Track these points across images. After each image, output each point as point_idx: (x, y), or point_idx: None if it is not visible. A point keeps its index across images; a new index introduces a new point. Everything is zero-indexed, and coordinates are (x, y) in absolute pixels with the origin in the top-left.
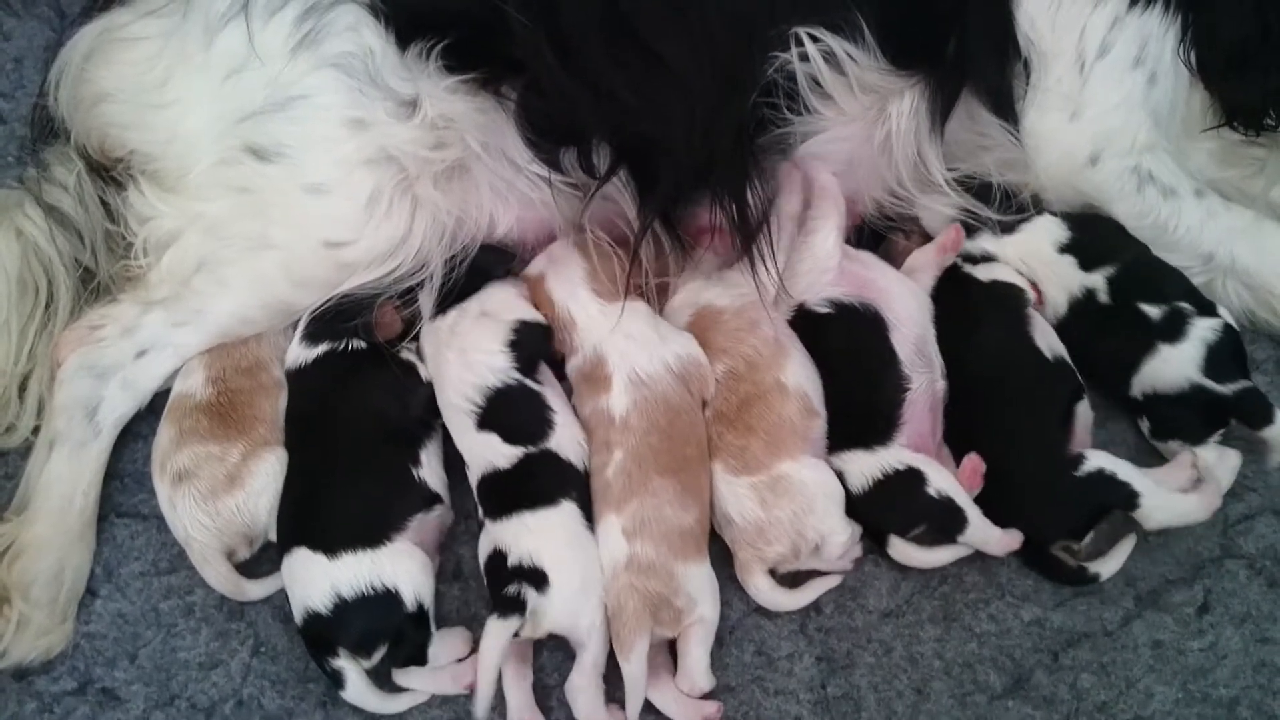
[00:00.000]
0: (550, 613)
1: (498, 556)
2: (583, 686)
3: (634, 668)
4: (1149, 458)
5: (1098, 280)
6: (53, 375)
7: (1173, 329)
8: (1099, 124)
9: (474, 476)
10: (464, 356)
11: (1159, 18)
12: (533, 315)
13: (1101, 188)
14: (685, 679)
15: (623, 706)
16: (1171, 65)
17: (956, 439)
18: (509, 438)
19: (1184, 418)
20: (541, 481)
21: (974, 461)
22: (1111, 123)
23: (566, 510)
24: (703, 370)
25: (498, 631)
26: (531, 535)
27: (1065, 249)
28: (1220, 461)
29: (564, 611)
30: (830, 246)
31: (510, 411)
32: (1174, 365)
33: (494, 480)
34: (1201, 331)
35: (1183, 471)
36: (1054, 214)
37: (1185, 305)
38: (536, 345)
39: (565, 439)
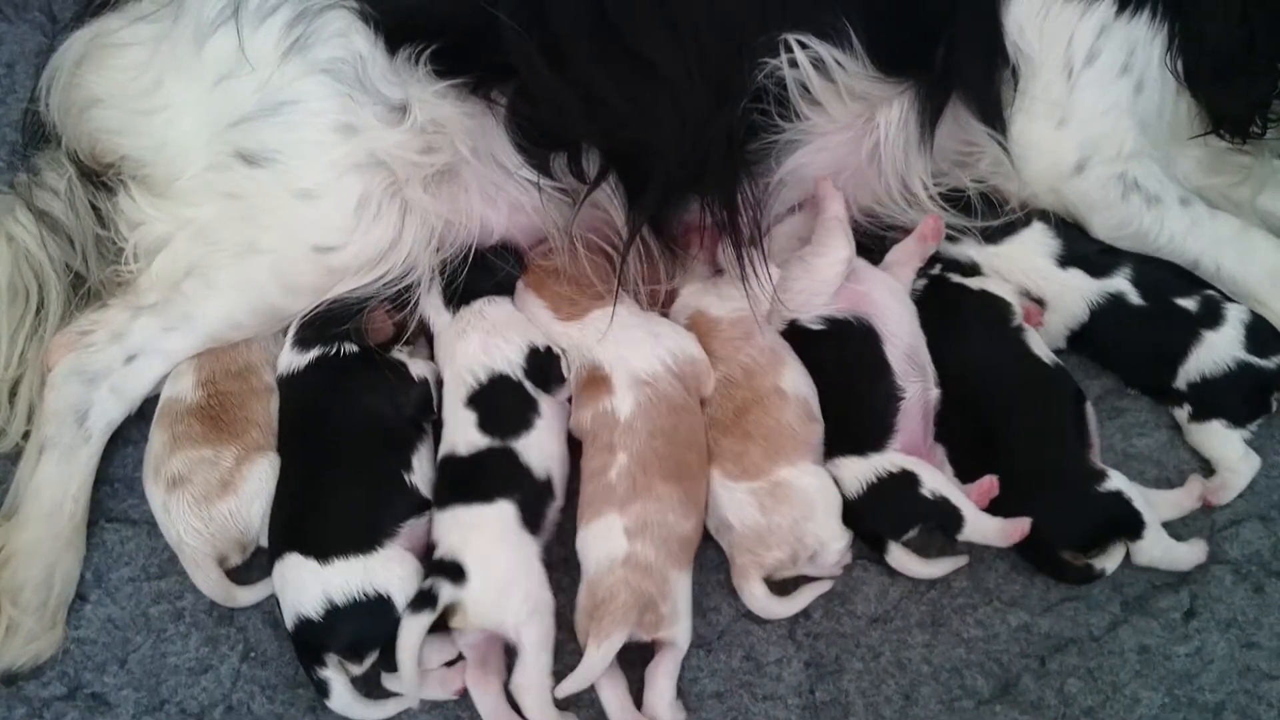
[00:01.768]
0: (472, 606)
1: (431, 548)
2: (525, 686)
3: (599, 657)
4: (1136, 463)
5: (1121, 284)
6: (43, 380)
7: (1212, 315)
8: (1086, 131)
9: (440, 456)
10: (487, 338)
11: (1146, 25)
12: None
13: (1086, 195)
14: (649, 712)
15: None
16: (1158, 73)
17: (973, 445)
18: (484, 425)
19: (1230, 398)
20: (486, 478)
21: (989, 484)
22: (1098, 130)
23: (501, 509)
24: (698, 367)
25: (409, 626)
26: (459, 529)
27: (1066, 261)
28: (1243, 460)
29: (487, 606)
30: (832, 275)
31: (499, 400)
32: (1220, 348)
33: (448, 465)
34: (1237, 313)
35: (1188, 499)
36: (1042, 221)
37: (1212, 292)
38: (548, 369)
39: (535, 444)
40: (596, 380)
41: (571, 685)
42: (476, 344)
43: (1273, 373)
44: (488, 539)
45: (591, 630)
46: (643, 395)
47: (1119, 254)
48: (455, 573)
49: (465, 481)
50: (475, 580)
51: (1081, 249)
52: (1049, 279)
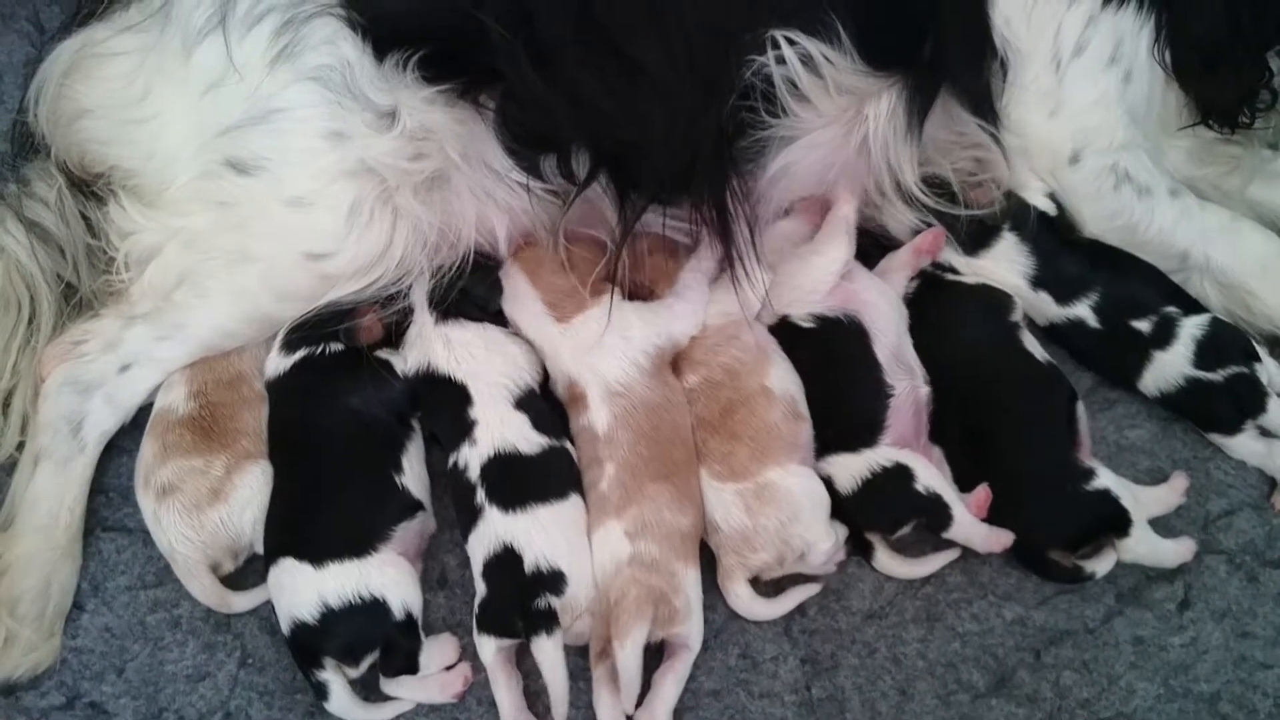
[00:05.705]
0: (573, 607)
1: (508, 555)
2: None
3: (629, 656)
4: (1129, 454)
5: (1083, 311)
6: (36, 391)
7: (1163, 336)
8: (1077, 121)
9: (480, 455)
10: (529, 352)
11: (1133, 16)
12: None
13: (1079, 186)
14: (648, 712)
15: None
16: (1147, 63)
17: (966, 444)
18: (538, 425)
19: (1205, 411)
20: (556, 475)
21: (985, 495)
22: (1089, 120)
23: (574, 502)
24: (668, 348)
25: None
26: (544, 531)
27: (1038, 283)
28: (1273, 453)
29: (582, 598)
30: (827, 275)
31: (545, 405)
32: (1170, 367)
33: (510, 464)
34: (1190, 330)
35: (1173, 494)
36: (1014, 232)
37: (1171, 309)
38: None
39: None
40: (574, 395)
41: (627, 695)
42: (522, 353)
43: (1221, 386)
44: (573, 536)
45: (612, 631)
46: (617, 406)
47: (1094, 276)
48: (556, 581)
49: (537, 481)
50: (574, 580)
51: (1056, 271)
52: (1020, 296)
